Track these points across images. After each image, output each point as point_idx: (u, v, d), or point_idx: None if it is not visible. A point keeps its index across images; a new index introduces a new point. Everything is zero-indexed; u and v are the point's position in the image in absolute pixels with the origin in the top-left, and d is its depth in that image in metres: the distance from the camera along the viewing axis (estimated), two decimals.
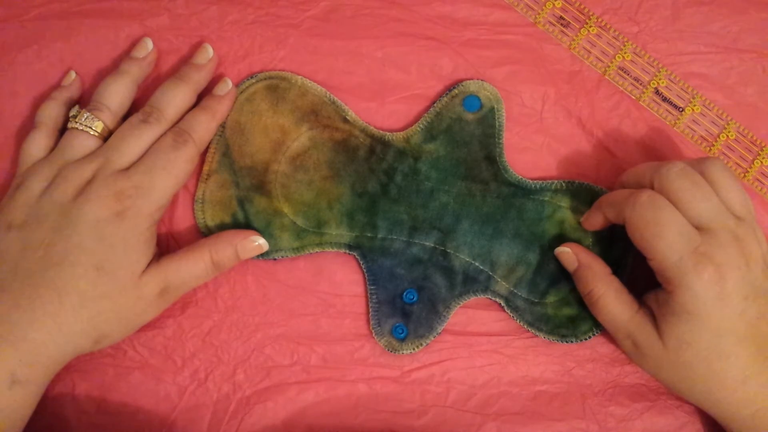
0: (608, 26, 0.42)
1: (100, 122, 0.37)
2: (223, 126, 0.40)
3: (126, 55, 0.40)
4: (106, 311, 0.35)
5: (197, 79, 0.39)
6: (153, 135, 0.37)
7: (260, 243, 0.38)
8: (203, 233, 0.40)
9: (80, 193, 0.35)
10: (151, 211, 0.36)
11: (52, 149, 0.38)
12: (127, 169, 0.36)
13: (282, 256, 0.40)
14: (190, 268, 0.37)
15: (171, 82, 0.38)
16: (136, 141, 0.36)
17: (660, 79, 0.42)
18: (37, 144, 0.38)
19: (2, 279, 0.34)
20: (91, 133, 0.37)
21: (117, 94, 0.38)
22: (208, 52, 0.40)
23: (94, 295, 0.34)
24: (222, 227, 0.40)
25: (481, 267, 0.40)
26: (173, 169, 0.36)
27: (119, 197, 0.35)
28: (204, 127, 0.38)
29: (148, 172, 0.36)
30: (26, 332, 0.33)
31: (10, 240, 0.35)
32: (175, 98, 0.38)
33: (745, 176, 0.42)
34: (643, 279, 0.37)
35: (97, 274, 0.34)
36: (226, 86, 0.39)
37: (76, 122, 0.37)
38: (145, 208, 0.35)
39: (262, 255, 0.39)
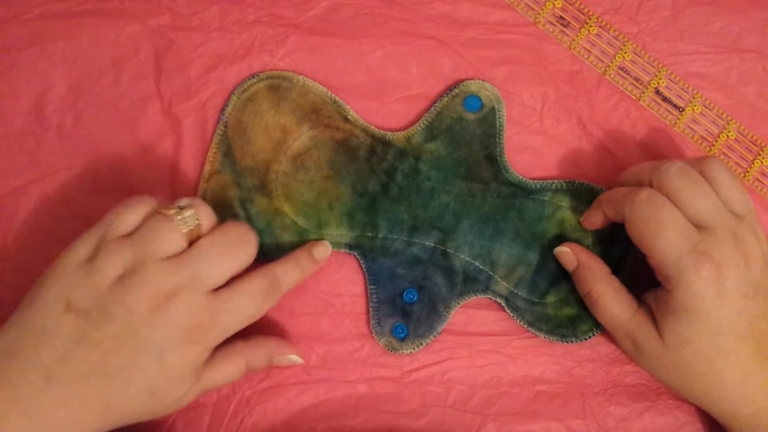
0: (608, 26, 0.42)
1: (198, 222, 0.34)
2: (225, 125, 0.40)
3: (126, 55, 0.40)
4: (145, 419, 0.34)
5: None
6: (254, 296, 0.34)
7: (294, 359, 0.38)
8: None
9: (156, 309, 0.32)
10: (215, 345, 0.34)
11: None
12: (213, 292, 0.33)
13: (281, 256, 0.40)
14: (226, 374, 0.36)
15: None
16: (230, 265, 0.34)
17: (660, 79, 0.42)
18: (133, 216, 0.34)
19: (50, 365, 0.31)
20: (184, 230, 0.33)
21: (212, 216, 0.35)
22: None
23: (140, 411, 0.33)
24: None
25: (482, 267, 0.40)
26: (256, 317, 0.34)
27: (195, 330, 0.32)
28: (293, 283, 0.37)
29: (235, 314, 0.34)
30: (68, 429, 0.31)
31: (65, 323, 0.31)
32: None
33: (745, 176, 0.42)
34: (642, 279, 0.37)
35: (148, 399, 0.33)
36: (326, 252, 0.39)
37: (174, 212, 0.33)
38: (213, 344, 0.34)
39: (263, 255, 0.39)
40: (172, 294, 0.32)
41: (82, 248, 0.33)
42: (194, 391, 0.35)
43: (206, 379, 0.35)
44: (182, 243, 0.33)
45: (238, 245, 0.34)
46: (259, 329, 0.40)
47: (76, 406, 0.31)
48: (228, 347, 0.36)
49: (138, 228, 0.33)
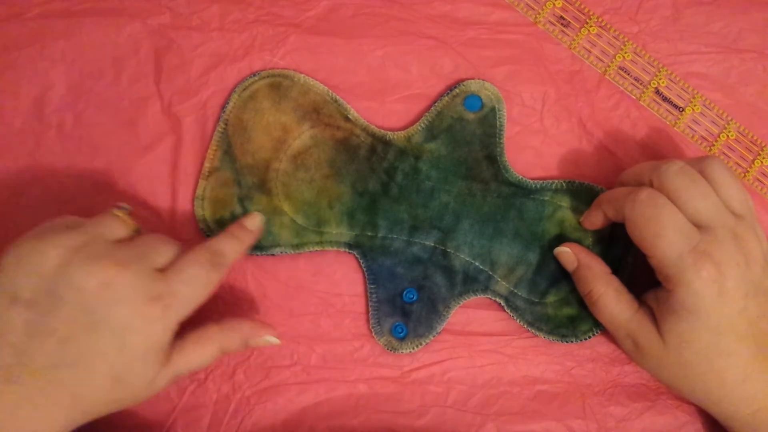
0: (608, 26, 0.42)
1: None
2: (225, 123, 0.40)
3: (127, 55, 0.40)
4: (116, 407, 0.33)
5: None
6: (201, 266, 0.34)
7: (270, 341, 0.37)
8: (202, 229, 0.40)
9: (107, 284, 0.31)
10: (177, 323, 0.33)
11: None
12: (162, 271, 0.33)
13: (281, 252, 0.40)
14: (199, 358, 0.35)
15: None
16: (171, 247, 0.34)
17: (660, 79, 0.42)
18: (71, 219, 0.34)
19: (9, 365, 0.30)
20: (125, 219, 0.34)
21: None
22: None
23: (107, 399, 0.32)
24: (222, 224, 0.40)
25: (481, 267, 0.40)
26: (209, 287, 0.34)
27: (152, 303, 0.31)
28: (235, 256, 0.36)
29: (188, 283, 0.33)
30: (38, 429, 0.30)
31: (12, 317, 0.30)
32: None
33: (745, 176, 0.42)
34: (643, 279, 0.37)
35: (113, 385, 0.31)
36: (258, 220, 0.39)
37: (113, 209, 0.35)
38: (174, 319, 0.33)
39: (261, 251, 0.39)
40: (120, 267, 0.31)
41: (24, 241, 0.32)
42: (165, 376, 0.33)
43: (178, 363, 0.34)
44: (126, 231, 0.34)
45: (169, 238, 0.35)
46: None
47: (40, 402, 0.30)
48: (200, 331, 0.35)
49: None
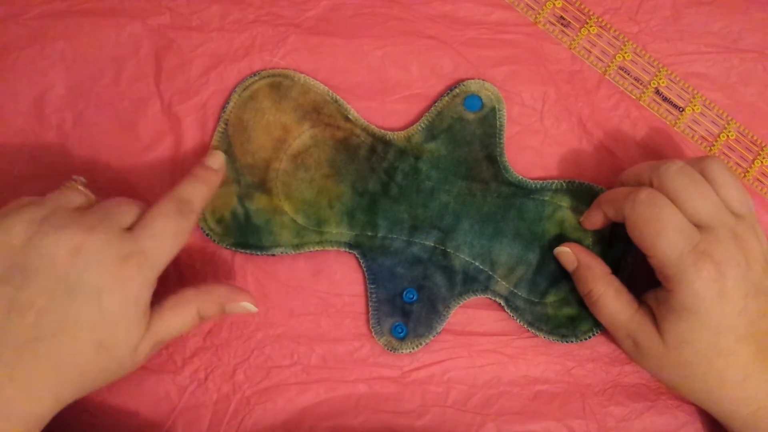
0: (609, 26, 0.42)
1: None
2: (225, 123, 0.40)
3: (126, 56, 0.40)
4: (102, 379, 0.33)
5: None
6: (169, 216, 0.33)
7: (248, 307, 0.36)
8: (202, 229, 0.40)
9: (77, 250, 0.30)
10: (153, 279, 0.33)
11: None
12: (130, 229, 0.33)
13: (281, 252, 0.40)
14: (178, 323, 0.34)
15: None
16: (134, 207, 0.34)
17: (660, 79, 0.42)
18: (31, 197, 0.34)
19: None
20: (87, 195, 0.35)
21: None
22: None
23: (93, 369, 0.32)
24: (222, 223, 0.40)
25: (481, 267, 0.40)
26: (181, 237, 0.34)
27: (125, 262, 0.31)
28: (203, 198, 0.36)
29: (158, 237, 0.32)
30: (24, 408, 0.30)
31: None
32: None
33: (745, 176, 0.42)
34: (643, 279, 0.37)
35: (97, 351, 0.31)
36: (219, 159, 0.38)
37: (72, 182, 0.35)
38: (150, 276, 0.32)
39: (261, 251, 0.39)
40: (88, 231, 0.31)
41: None
42: (147, 342, 0.33)
43: (158, 329, 0.33)
44: (86, 201, 0.34)
45: (131, 199, 0.34)
46: (259, 328, 0.40)
47: (24, 381, 0.30)
48: (178, 295, 0.35)
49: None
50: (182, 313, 0.34)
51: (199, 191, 0.36)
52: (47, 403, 0.31)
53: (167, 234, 0.33)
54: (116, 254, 0.31)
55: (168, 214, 0.33)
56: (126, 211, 0.33)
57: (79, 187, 0.35)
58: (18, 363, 0.30)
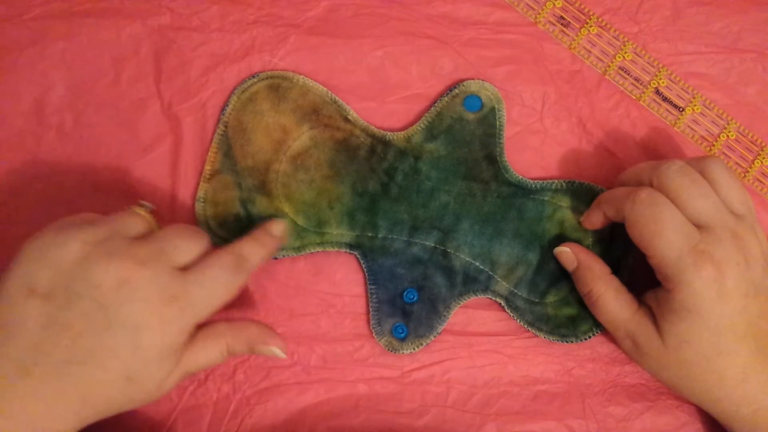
0: (609, 26, 0.42)
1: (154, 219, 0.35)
2: (225, 125, 0.40)
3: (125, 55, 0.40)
4: (127, 407, 0.33)
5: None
6: (223, 269, 0.33)
7: (276, 353, 0.36)
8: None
9: (124, 282, 0.30)
10: (193, 326, 0.33)
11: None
12: (182, 269, 0.32)
13: (283, 256, 0.40)
14: (207, 358, 0.34)
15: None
16: (192, 244, 0.33)
17: (660, 79, 0.42)
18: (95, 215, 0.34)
19: (22, 357, 0.29)
20: (145, 216, 0.34)
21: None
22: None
23: (119, 398, 0.31)
24: (224, 227, 0.40)
25: (482, 267, 0.40)
26: (230, 291, 0.33)
27: (169, 304, 0.31)
28: (259, 261, 0.35)
29: (207, 287, 0.32)
30: (46, 425, 0.30)
31: (30, 309, 0.30)
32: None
33: (745, 176, 0.42)
34: (643, 279, 0.37)
35: (126, 384, 0.31)
36: (281, 227, 0.38)
37: (133, 207, 0.35)
38: (190, 322, 0.32)
39: None
40: (139, 265, 0.31)
41: (45, 234, 0.32)
42: (175, 376, 0.33)
43: (187, 361, 0.33)
44: (147, 228, 0.34)
45: (194, 231, 0.34)
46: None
47: (51, 399, 0.30)
48: (210, 327, 0.35)
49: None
50: (212, 348, 0.34)
51: (257, 252, 0.35)
52: (70, 422, 0.30)
53: (217, 286, 0.33)
54: (162, 294, 0.31)
55: (223, 266, 0.33)
56: (183, 248, 0.33)
57: (143, 213, 0.35)
58: (46, 380, 0.30)
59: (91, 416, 0.31)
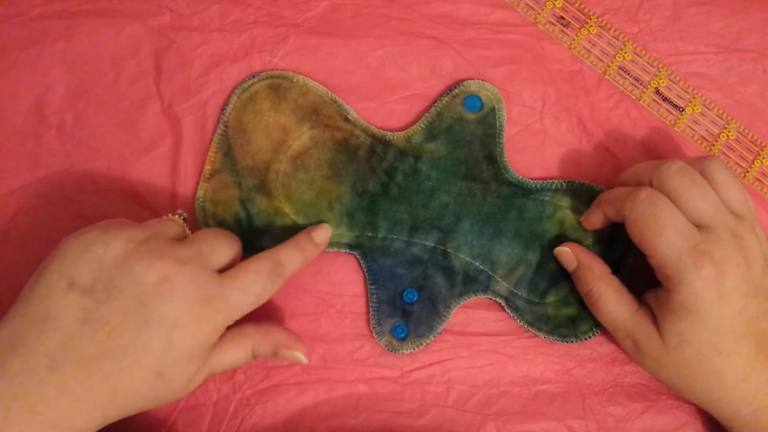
0: (609, 26, 0.42)
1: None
2: (225, 125, 0.40)
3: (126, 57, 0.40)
4: (153, 405, 0.33)
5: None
6: (260, 275, 0.34)
7: (299, 357, 0.37)
8: None
9: (164, 280, 0.31)
10: (224, 328, 0.33)
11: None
12: (220, 272, 0.33)
13: None
14: (233, 358, 0.35)
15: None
16: (228, 247, 0.34)
17: (660, 79, 0.42)
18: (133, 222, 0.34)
19: (54, 351, 0.30)
20: (185, 229, 0.36)
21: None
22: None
23: (148, 395, 0.32)
24: (223, 226, 0.40)
25: (482, 267, 0.40)
26: (264, 297, 0.34)
27: (206, 304, 0.32)
28: (296, 265, 0.36)
29: (244, 291, 0.33)
30: (74, 421, 0.30)
31: (68, 302, 0.30)
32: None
33: (745, 176, 0.42)
34: (643, 279, 0.37)
35: (156, 380, 0.31)
36: (326, 234, 0.39)
37: (171, 215, 0.37)
38: (224, 324, 0.33)
39: None
40: (180, 265, 0.32)
41: (88, 232, 0.33)
42: (202, 374, 0.34)
43: (213, 361, 0.34)
44: (181, 232, 0.35)
45: (228, 234, 0.35)
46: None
47: (80, 395, 0.30)
48: (238, 328, 0.35)
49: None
50: (238, 348, 0.35)
51: (295, 259, 0.36)
52: (96, 419, 0.31)
53: (253, 291, 0.33)
54: (199, 294, 0.32)
55: (260, 272, 0.34)
56: (220, 252, 0.34)
57: (180, 221, 0.36)
58: (77, 377, 0.30)
59: (117, 413, 0.32)
